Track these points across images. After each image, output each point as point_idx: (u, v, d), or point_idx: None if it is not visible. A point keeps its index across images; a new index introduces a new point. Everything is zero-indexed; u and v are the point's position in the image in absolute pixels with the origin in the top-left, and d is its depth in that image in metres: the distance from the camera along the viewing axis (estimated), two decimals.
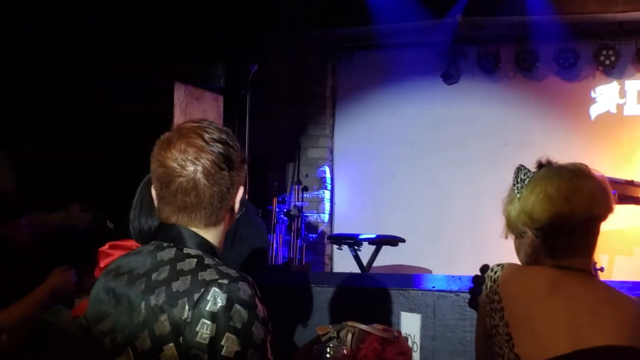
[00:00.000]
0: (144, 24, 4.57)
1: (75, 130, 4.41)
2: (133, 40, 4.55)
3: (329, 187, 8.11)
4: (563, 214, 2.06)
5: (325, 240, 7.90)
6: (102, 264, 2.51)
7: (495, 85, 7.58)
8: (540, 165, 2.21)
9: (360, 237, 6.29)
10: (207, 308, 1.73)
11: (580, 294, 2.05)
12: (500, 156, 7.23)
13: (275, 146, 8.07)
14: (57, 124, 4.37)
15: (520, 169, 2.21)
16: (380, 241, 6.32)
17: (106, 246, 2.57)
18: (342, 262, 7.39)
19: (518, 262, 2.23)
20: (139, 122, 4.40)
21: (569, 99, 7.40)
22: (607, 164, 6.94)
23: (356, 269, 7.22)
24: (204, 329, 1.72)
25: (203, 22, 4.61)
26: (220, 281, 1.76)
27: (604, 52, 7.09)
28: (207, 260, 1.83)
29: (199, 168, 1.84)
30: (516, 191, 2.19)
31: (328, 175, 8.11)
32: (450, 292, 4.17)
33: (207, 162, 1.85)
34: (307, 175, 8.04)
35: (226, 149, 1.88)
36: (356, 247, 6.22)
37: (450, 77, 7.58)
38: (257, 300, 1.80)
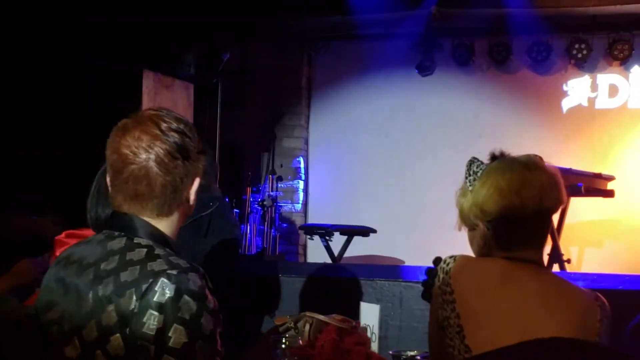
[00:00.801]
0: (111, 8, 4.53)
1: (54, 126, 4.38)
2: (99, 26, 4.51)
3: (303, 177, 8.12)
4: (514, 207, 2.08)
5: (299, 230, 7.91)
6: (57, 253, 2.50)
7: (469, 77, 7.61)
8: (493, 158, 2.22)
9: (331, 227, 6.29)
10: (154, 299, 1.72)
11: (530, 285, 2.06)
12: (474, 148, 7.15)
13: (250, 136, 8.06)
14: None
15: (472, 161, 2.23)
16: (352, 231, 6.32)
17: (63, 235, 2.56)
18: (316, 252, 7.40)
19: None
20: (107, 112, 4.38)
21: (541, 92, 7.44)
22: (579, 157, 7.00)
23: (329, 260, 7.25)
24: (151, 320, 1.71)
25: (174, 8, 4.57)
26: (169, 272, 1.76)
27: (577, 46, 7.13)
28: (158, 251, 1.82)
29: (152, 156, 1.83)
30: (468, 184, 2.21)
31: (302, 165, 8.11)
32: (417, 282, 4.19)
33: (161, 151, 1.83)
34: (281, 165, 8.04)
35: (182, 139, 1.87)
36: (327, 238, 6.22)
37: (425, 69, 7.59)
38: (207, 291, 1.79)
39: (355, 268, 4.57)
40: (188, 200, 1.93)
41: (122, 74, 4.45)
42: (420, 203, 7.53)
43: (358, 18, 6.99)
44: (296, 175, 8.09)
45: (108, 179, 1.93)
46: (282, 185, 8.01)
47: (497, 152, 2.23)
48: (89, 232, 2.49)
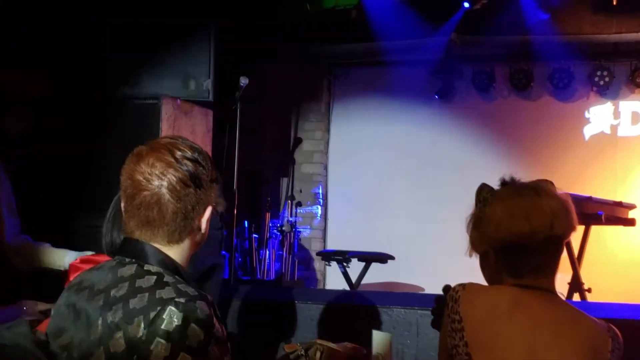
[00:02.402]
0: (130, 35, 4.58)
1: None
2: (120, 52, 4.56)
3: (322, 202, 8.12)
4: (523, 233, 2.05)
5: (316, 256, 7.90)
6: (71, 278, 2.51)
7: (489, 104, 7.60)
8: (503, 183, 2.21)
9: (349, 253, 6.27)
10: (162, 327, 1.71)
11: (540, 313, 2.04)
12: (494, 174, 7.23)
13: (269, 161, 8.09)
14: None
15: (482, 187, 2.21)
16: (369, 258, 6.29)
17: (77, 260, 2.58)
18: (335, 278, 7.38)
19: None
20: (127, 137, 4.43)
21: (563, 119, 7.41)
22: (600, 185, 6.95)
23: (347, 286, 7.22)
24: (159, 348, 1.70)
25: (193, 33, 4.61)
26: (177, 300, 1.75)
27: (599, 73, 7.11)
28: (167, 278, 1.82)
29: (164, 183, 1.84)
30: (479, 210, 2.19)
31: (322, 190, 8.11)
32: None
33: (173, 178, 1.85)
34: (300, 191, 8.05)
35: (195, 167, 1.88)
36: (345, 264, 6.20)
37: (445, 95, 7.60)
38: (214, 319, 1.79)
39: (370, 295, 4.56)
40: (199, 228, 1.93)
41: (142, 101, 4.49)
42: (440, 229, 7.48)
43: (378, 45, 7.01)
44: (315, 200, 8.10)
45: (122, 205, 1.94)
46: (301, 210, 8.01)
47: (507, 178, 2.21)
48: (104, 258, 2.50)
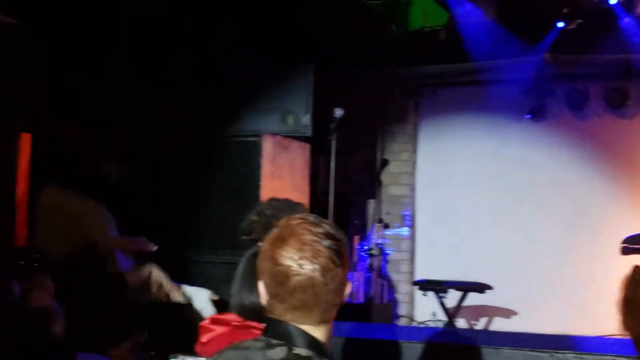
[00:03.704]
0: (231, 74, 4.61)
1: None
2: (221, 90, 4.60)
3: (410, 224, 8.01)
4: None
5: (406, 279, 7.81)
6: (203, 339, 2.51)
7: (583, 123, 7.39)
8: None
9: (446, 284, 6.16)
10: None
11: None
12: (590, 196, 7.04)
13: (356, 183, 8.02)
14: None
15: (636, 268, 2.07)
16: (467, 288, 6.17)
17: (207, 321, 2.57)
18: (423, 301, 7.27)
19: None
20: (228, 175, 4.45)
21: None
22: None
23: (439, 310, 7.10)
24: None
25: (293, 69, 4.60)
26: None
27: None
28: None
29: (317, 267, 1.84)
30: (631, 292, 2.04)
31: (409, 212, 8.01)
32: (544, 351, 4.04)
33: (324, 260, 1.85)
34: (388, 213, 7.96)
35: (337, 244, 1.88)
36: (442, 295, 6.09)
37: (537, 114, 7.44)
38: None
39: (476, 334, 4.44)
40: (342, 303, 1.92)
41: (243, 138, 4.50)
42: (536, 256, 7.30)
43: (468, 65, 6.91)
44: (403, 222, 7.99)
45: (264, 288, 1.92)
46: (389, 232, 7.91)
47: None
48: (232, 317, 2.51)
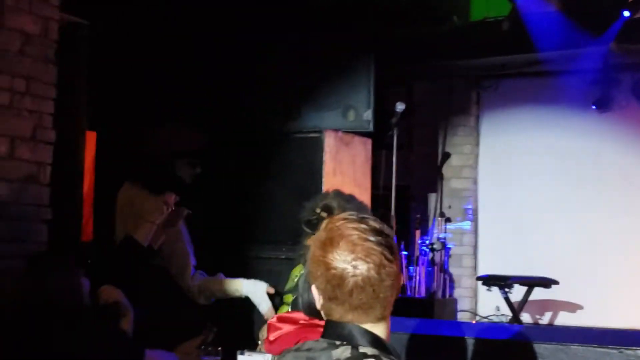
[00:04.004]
0: (292, 69, 4.61)
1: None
2: (282, 86, 4.61)
3: (472, 218, 7.93)
4: None
5: (469, 273, 7.73)
6: (271, 337, 2.52)
7: None
8: None
9: (511, 279, 6.06)
10: None
11: None
12: None
13: (417, 177, 7.97)
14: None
15: None
16: (533, 283, 6.07)
17: (275, 319, 2.59)
18: (487, 295, 7.20)
19: None
20: (291, 171, 4.46)
21: None
22: None
23: (502, 304, 7.02)
24: None
25: (354, 64, 4.57)
26: None
27: None
28: None
29: (371, 265, 1.83)
30: None
31: (472, 206, 7.93)
32: (614, 347, 3.95)
33: (377, 258, 1.83)
34: (450, 207, 7.89)
35: (386, 239, 1.87)
36: (507, 290, 6.00)
37: (603, 105, 7.27)
38: None
39: (542, 331, 4.36)
40: (396, 297, 1.91)
41: (305, 134, 4.51)
42: (600, 248, 7.16)
43: (533, 56, 6.79)
44: (465, 216, 7.91)
45: (318, 293, 1.91)
46: (451, 226, 7.86)
47: None
48: (299, 316, 2.52)
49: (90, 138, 5.07)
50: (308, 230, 3.75)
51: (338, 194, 3.90)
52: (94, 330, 2.97)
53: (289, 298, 3.83)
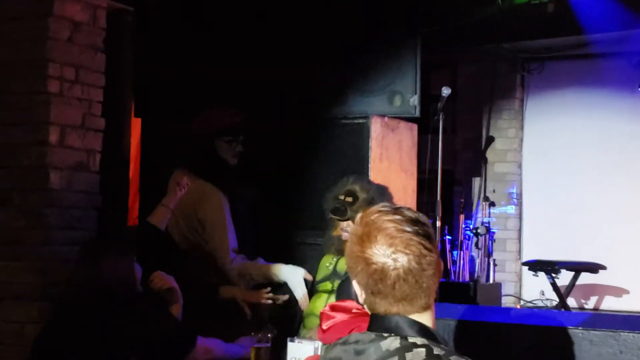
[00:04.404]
0: (338, 53, 4.59)
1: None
2: (328, 71, 4.59)
3: (517, 202, 7.85)
4: None
5: (513, 258, 7.67)
6: (323, 326, 2.52)
7: None
8: None
9: (559, 264, 5.99)
10: None
11: None
12: None
13: (461, 161, 7.92)
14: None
15: None
16: (580, 268, 6.00)
17: (327, 307, 2.59)
18: (532, 280, 7.14)
19: None
20: (336, 157, 4.45)
21: None
22: None
23: (547, 289, 6.96)
24: None
25: (400, 48, 4.53)
26: None
27: None
28: (437, 350, 1.77)
29: (411, 256, 1.81)
30: None
31: (516, 190, 7.85)
32: None
33: (416, 248, 1.82)
34: (494, 191, 7.83)
35: (423, 228, 1.85)
36: (554, 275, 5.93)
37: None
38: None
39: (593, 318, 4.30)
40: (438, 284, 1.89)
41: (351, 120, 4.49)
42: None
43: (580, 38, 6.68)
44: (509, 200, 7.85)
45: (360, 289, 1.90)
46: (495, 211, 7.80)
47: None
48: (352, 305, 2.52)
49: (135, 124, 5.12)
50: (336, 218, 3.76)
51: (357, 177, 3.91)
52: (149, 315, 3.00)
53: (327, 286, 3.85)
